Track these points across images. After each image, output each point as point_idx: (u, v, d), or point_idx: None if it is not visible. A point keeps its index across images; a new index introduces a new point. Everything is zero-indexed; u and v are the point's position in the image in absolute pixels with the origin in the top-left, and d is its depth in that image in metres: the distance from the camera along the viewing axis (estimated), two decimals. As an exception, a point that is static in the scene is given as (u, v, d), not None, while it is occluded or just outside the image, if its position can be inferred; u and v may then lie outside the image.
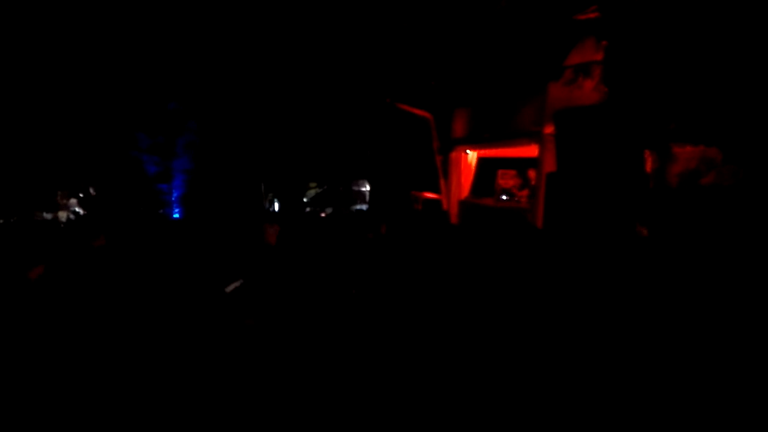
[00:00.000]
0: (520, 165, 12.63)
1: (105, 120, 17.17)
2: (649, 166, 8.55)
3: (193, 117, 17.51)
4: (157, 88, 16.99)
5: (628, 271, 6.77)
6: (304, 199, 19.33)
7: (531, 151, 11.14)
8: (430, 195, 14.09)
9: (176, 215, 17.63)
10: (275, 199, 19.20)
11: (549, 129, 10.14)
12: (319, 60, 15.80)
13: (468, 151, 13.40)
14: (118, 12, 15.74)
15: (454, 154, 13.51)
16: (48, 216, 18.78)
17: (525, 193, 12.25)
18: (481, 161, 13.54)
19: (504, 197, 12.61)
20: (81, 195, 19.02)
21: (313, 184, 19.50)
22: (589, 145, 8.87)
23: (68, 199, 19.63)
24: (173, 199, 17.64)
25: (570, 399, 4.32)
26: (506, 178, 12.86)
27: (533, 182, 11.14)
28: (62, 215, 19.00)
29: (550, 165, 9.98)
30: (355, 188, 18.70)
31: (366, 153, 17.38)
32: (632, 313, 5.77)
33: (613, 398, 4.29)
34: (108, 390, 4.38)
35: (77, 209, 18.99)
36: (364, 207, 18.11)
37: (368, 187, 18.65)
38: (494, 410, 4.22)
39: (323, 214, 15.85)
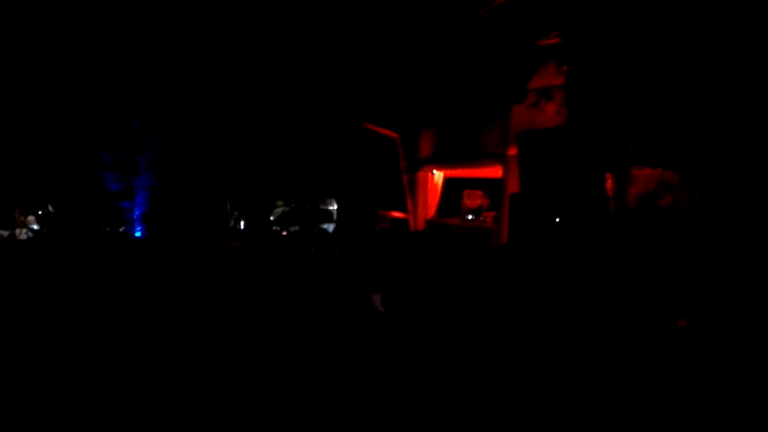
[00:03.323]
0: (486, 185, 12.77)
1: (65, 135, 16.76)
2: (609, 188, 8.71)
3: (157, 134, 17.23)
4: (119, 104, 16.69)
5: (593, 288, 6.84)
6: (271, 218, 19.15)
7: (495, 171, 11.28)
8: (397, 214, 14.11)
9: (138, 233, 17.22)
10: (241, 218, 18.97)
11: (512, 150, 10.29)
12: (286, 78, 15.77)
13: (434, 171, 13.50)
14: (80, 27, 15.49)
15: (420, 174, 13.60)
16: (5, 233, 18.19)
17: (491, 213, 12.38)
18: (448, 181, 13.65)
19: (470, 217, 12.71)
20: (39, 212, 18.50)
21: (280, 203, 19.35)
22: (551, 166, 8.99)
23: (26, 216, 19.08)
24: (135, 217, 17.24)
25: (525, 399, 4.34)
26: (472, 198, 13.00)
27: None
28: (20, 232, 18.43)
29: (513, 186, 10.11)
30: (323, 207, 18.62)
31: (334, 172, 17.36)
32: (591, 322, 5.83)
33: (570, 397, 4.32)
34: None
35: (35, 226, 18.45)
36: (331, 226, 18.04)
37: (335, 206, 18.59)
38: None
39: (284, 233, 15.72)
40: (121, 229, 17.26)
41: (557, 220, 8.50)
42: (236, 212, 18.89)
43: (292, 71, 15.35)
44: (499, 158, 10.77)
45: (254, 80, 16.19)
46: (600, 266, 6.94)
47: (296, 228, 17.75)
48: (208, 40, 15.96)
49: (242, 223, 18.88)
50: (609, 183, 8.57)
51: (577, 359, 5.15)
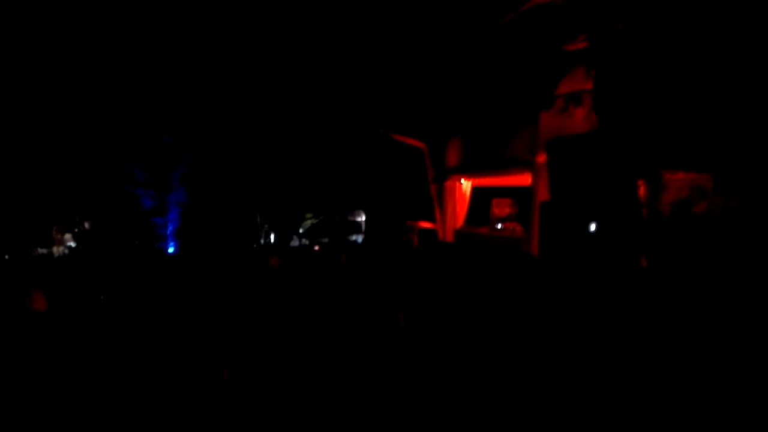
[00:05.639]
0: (515, 194, 12.63)
1: (99, 154, 17.20)
2: (642, 195, 8.52)
3: (188, 150, 17.55)
4: (150, 122, 17.07)
5: (626, 300, 6.69)
6: (300, 230, 19.26)
7: (524, 179, 11.15)
8: (425, 224, 14.05)
9: (171, 249, 17.50)
10: (271, 231, 19.12)
11: (541, 158, 10.15)
12: (313, 91, 15.92)
13: (462, 180, 13.42)
14: (111, 48, 15.90)
15: (448, 184, 13.53)
16: (43, 251, 18.68)
17: (514, 224, 12.25)
18: (476, 190, 13.56)
19: (499, 226, 12.58)
20: (76, 230, 18.94)
21: (309, 215, 19.45)
22: (581, 173, 8.85)
23: (63, 234, 19.57)
24: (168, 233, 17.55)
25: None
26: (501, 207, 12.86)
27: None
28: (57, 250, 18.90)
29: (543, 194, 9.97)
30: (351, 218, 18.66)
31: (361, 184, 17.43)
32: (631, 339, 5.69)
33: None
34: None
35: (72, 244, 18.88)
36: (360, 237, 18.06)
37: (364, 217, 18.62)
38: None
39: (317, 247, 15.77)
40: (155, 245, 17.57)
41: (590, 228, 8.36)
42: (266, 225, 19.06)
43: (318, 85, 15.49)
44: (528, 166, 10.64)
45: (281, 94, 16.38)
46: (635, 276, 6.79)
47: (326, 240, 17.84)
48: (237, 57, 16.22)
49: (272, 237, 19.03)
50: (642, 190, 8.38)
51: (615, 371, 5.03)
